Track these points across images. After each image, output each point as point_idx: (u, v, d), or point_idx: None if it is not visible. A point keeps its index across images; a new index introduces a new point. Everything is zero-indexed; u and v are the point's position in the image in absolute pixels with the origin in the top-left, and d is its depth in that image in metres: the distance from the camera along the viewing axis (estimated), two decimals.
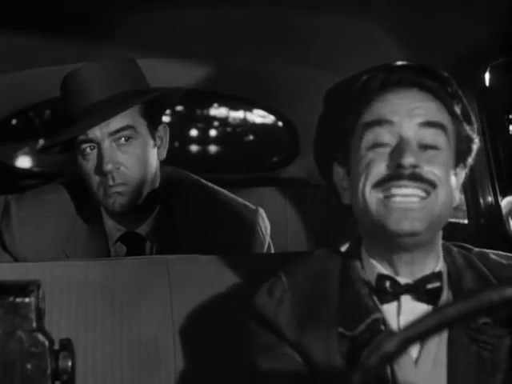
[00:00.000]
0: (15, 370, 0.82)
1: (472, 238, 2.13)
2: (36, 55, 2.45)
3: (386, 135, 1.35)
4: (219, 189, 2.19)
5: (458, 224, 2.30)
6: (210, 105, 5.88)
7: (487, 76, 2.12)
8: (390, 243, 1.36)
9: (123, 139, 1.98)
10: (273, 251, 2.18)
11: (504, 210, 2.21)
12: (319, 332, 1.38)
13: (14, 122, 3.10)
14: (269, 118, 5.37)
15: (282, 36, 2.30)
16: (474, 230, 2.25)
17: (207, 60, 2.63)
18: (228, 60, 2.61)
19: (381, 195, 1.33)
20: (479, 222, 2.24)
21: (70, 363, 0.83)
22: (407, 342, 0.80)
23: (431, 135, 1.35)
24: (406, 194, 1.32)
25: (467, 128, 1.41)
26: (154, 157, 2.05)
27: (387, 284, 1.38)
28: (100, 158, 1.96)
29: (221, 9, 2.14)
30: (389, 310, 1.38)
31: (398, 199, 1.32)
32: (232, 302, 1.74)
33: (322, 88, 1.52)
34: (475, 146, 1.43)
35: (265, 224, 2.15)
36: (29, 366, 0.82)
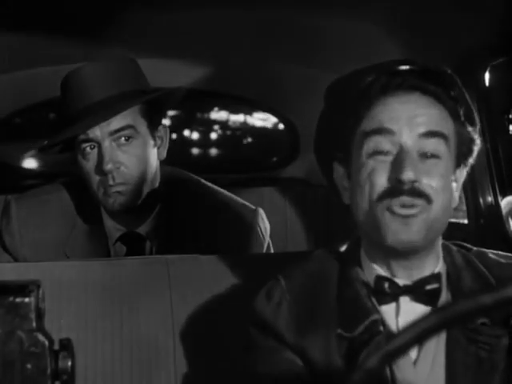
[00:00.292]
0: (15, 370, 0.82)
1: (472, 237, 2.13)
2: (36, 55, 2.45)
3: (387, 144, 1.34)
4: (219, 189, 2.19)
5: (458, 224, 2.30)
6: (210, 108, 5.90)
7: (487, 76, 2.12)
8: (388, 250, 1.36)
9: (123, 139, 1.98)
10: (272, 251, 2.18)
11: (504, 210, 2.21)
12: (318, 334, 1.38)
13: (14, 122, 3.10)
14: (268, 122, 5.38)
15: (283, 36, 2.31)
16: (474, 230, 2.25)
17: (207, 60, 2.63)
18: (228, 60, 2.61)
19: (381, 208, 1.33)
20: (479, 222, 2.25)
21: (69, 363, 0.83)
22: (407, 346, 0.81)
23: (432, 144, 1.34)
24: (405, 206, 1.32)
25: (470, 129, 1.40)
26: (154, 157, 2.05)
27: (386, 285, 1.38)
28: (100, 157, 1.97)
29: (221, 9, 2.14)
30: (387, 311, 1.38)
31: (396, 212, 1.32)
32: (232, 302, 1.74)
33: (322, 88, 1.52)
34: (477, 148, 1.42)
35: (264, 224, 2.15)
36: (29, 366, 0.82)
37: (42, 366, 0.82)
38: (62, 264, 1.88)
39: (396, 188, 1.32)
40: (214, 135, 6.01)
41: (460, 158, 1.41)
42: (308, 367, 1.39)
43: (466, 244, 1.50)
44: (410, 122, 1.34)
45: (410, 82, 1.36)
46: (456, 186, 1.41)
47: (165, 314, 1.77)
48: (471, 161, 1.43)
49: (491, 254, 1.47)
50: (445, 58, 2.03)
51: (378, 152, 1.34)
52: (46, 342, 0.83)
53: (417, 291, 1.38)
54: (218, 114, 5.90)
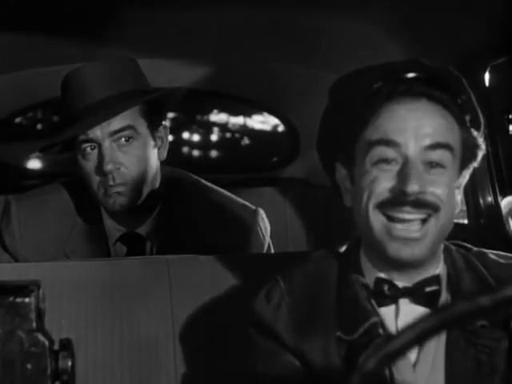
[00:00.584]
0: (15, 370, 0.82)
1: (472, 237, 2.13)
2: (36, 55, 2.45)
3: (392, 153, 1.33)
4: (219, 189, 2.19)
5: (458, 224, 2.30)
6: (210, 109, 5.91)
7: (487, 76, 2.12)
8: (388, 261, 1.36)
9: (124, 139, 1.98)
10: (273, 251, 2.18)
11: (504, 210, 2.21)
12: (317, 336, 1.38)
13: (14, 122, 3.10)
14: (269, 122, 5.38)
15: (283, 36, 2.31)
16: (474, 230, 2.25)
17: (207, 60, 2.63)
18: (228, 60, 2.61)
19: (384, 218, 1.33)
20: (479, 222, 2.25)
21: (69, 363, 0.83)
22: (404, 348, 0.80)
23: (438, 156, 1.33)
24: (409, 220, 1.32)
25: (475, 134, 1.39)
26: (154, 157, 2.05)
27: (385, 288, 1.38)
28: (100, 157, 1.97)
29: (221, 9, 2.14)
30: (387, 313, 1.38)
31: (399, 226, 1.32)
32: (232, 302, 1.74)
33: (322, 88, 1.52)
34: (481, 153, 1.41)
35: (265, 224, 2.15)
36: (29, 366, 0.82)
37: (42, 366, 0.82)
38: (62, 264, 1.88)
39: (400, 199, 1.31)
40: (214, 136, 6.03)
41: (463, 163, 1.40)
42: (307, 369, 1.38)
43: (466, 244, 1.50)
44: (415, 133, 1.33)
45: (416, 89, 1.35)
46: (458, 191, 1.40)
47: (165, 314, 1.77)
48: (475, 164, 1.42)
49: (491, 254, 1.47)
50: (445, 57, 2.03)
51: (382, 160, 1.34)
52: (46, 342, 0.83)
53: (416, 293, 1.37)
54: (218, 115, 5.91)
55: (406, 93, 1.35)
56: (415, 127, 1.33)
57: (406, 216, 1.32)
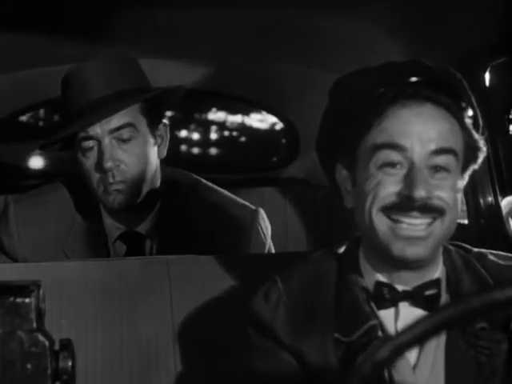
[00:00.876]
0: (15, 370, 0.82)
1: (472, 238, 2.13)
2: (36, 55, 2.45)
3: (397, 157, 1.33)
4: (219, 189, 2.19)
5: (458, 224, 2.30)
6: (210, 109, 5.92)
7: (487, 76, 2.12)
8: (391, 261, 1.36)
9: (124, 137, 1.98)
10: (273, 251, 2.18)
11: (504, 210, 2.21)
12: (315, 337, 1.38)
13: (14, 122, 3.09)
14: (268, 122, 5.38)
15: (283, 36, 2.30)
16: (474, 230, 2.25)
17: (207, 60, 2.63)
18: (228, 60, 2.61)
19: (388, 221, 1.33)
20: (479, 222, 2.24)
21: (70, 363, 0.83)
22: (399, 350, 0.80)
23: (443, 160, 1.33)
24: (415, 224, 1.32)
25: (476, 137, 1.39)
26: (154, 155, 2.05)
27: (385, 291, 1.38)
28: (100, 155, 1.97)
29: (221, 9, 2.14)
30: (386, 315, 1.38)
31: (404, 226, 1.32)
32: (232, 302, 1.73)
33: (322, 88, 1.52)
34: (482, 155, 1.41)
35: (265, 224, 2.14)
36: (29, 366, 0.82)
37: (43, 366, 0.83)
38: (62, 264, 1.88)
39: (407, 204, 1.31)
40: (213, 135, 6.03)
41: (465, 165, 1.40)
42: (304, 369, 1.38)
43: (465, 245, 1.49)
44: (421, 137, 1.32)
45: (422, 93, 1.34)
46: (460, 193, 1.41)
47: (165, 313, 1.77)
48: (475, 166, 1.42)
49: (491, 255, 1.46)
50: (445, 58, 2.03)
51: (387, 164, 1.33)
52: (47, 342, 0.83)
53: (416, 297, 1.37)
54: (217, 115, 5.92)
55: (411, 96, 1.34)
56: (421, 131, 1.33)
57: (413, 221, 1.32)
